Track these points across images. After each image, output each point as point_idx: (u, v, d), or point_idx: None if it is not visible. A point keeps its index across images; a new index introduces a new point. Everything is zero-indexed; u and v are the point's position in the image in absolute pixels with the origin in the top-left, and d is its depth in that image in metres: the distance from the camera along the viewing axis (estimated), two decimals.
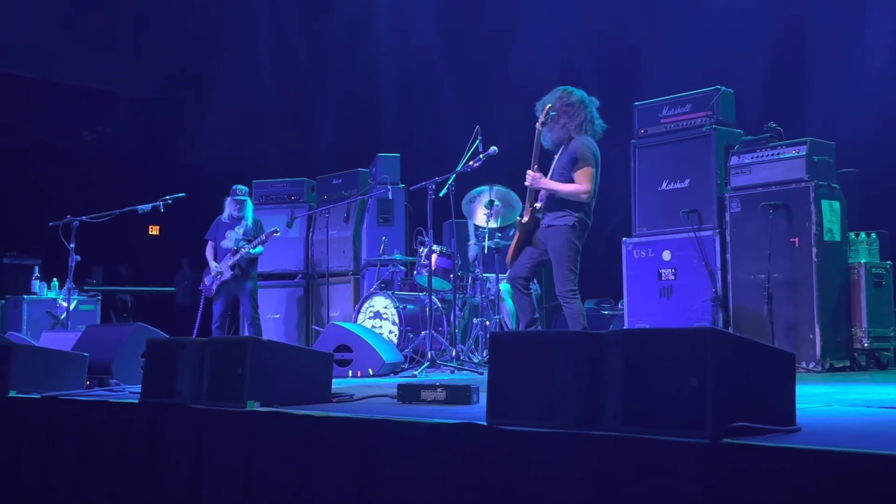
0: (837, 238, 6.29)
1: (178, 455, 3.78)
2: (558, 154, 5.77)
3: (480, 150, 6.86)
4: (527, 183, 5.73)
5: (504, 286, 7.80)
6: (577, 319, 5.55)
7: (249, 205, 9.09)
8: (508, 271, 5.99)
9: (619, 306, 7.83)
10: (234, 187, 9.06)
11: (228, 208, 9.01)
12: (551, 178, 5.72)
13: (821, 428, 2.66)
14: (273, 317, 10.11)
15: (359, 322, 8.03)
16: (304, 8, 12.48)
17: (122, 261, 14.16)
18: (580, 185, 5.61)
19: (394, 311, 7.95)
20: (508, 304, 7.79)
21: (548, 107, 5.70)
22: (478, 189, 7.74)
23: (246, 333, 8.88)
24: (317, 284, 10.18)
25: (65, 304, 9.03)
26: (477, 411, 3.13)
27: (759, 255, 6.33)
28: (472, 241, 7.91)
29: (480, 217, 7.74)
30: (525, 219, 5.78)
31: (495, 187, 7.70)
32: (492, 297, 7.66)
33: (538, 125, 5.71)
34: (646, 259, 7.03)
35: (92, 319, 9.98)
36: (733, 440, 2.26)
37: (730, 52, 8.70)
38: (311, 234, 10.39)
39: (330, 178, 10.44)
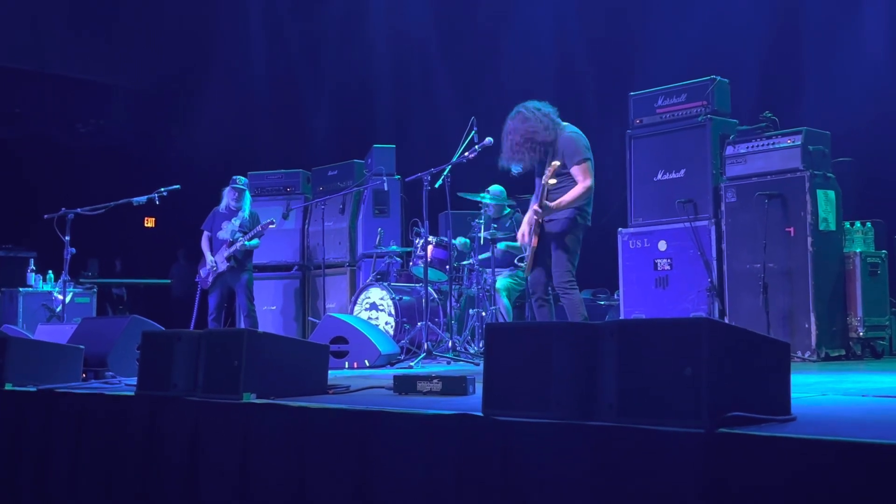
0: (833, 227, 6.30)
1: (174, 447, 3.78)
2: (548, 160, 5.60)
3: (476, 141, 6.85)
4: (536, 219, 5.52)
5: (499, 283, 7.79)
6: (576, 310, 5.49)
7: (248, 196, 9.08)
8: (529, 284, 5.81)
9: (616, 296, 7.84)
10: (233, 177, 9.06)
11: (226, 198, 9.01)
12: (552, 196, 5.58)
13: (815, 417, 2.67)
14: (269, 308, 10.11)
15: (355, 313, 8.03)
16: None
17: (118, 253, 14.15)
18: (583, 182, 5.51)
19: (390, 303, 7.94)
20: (504, 301, 7.80)
21: (555, 164, 5.46)
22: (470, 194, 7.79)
23: (242, 325, 8.87)
24: (313, 276, 10.18)
25: (60, 297, 9.02)
26: (473, 402, 3.13)
27: (755, 244, 6.34)
28: (480, 220, 7.81)
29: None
30: (534, 244, 5.59)
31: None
32: (488, 289, 7.66)
33: (545, 181, 5.47)
34: (642, 249, 7.04)
35: (87, 312, 9.97)
36: (728, 430, 2.27)
37: (725, 41, 8.68)
38: (306, 226, 10.38)
39: (325, 169, 10.43)
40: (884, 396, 3.39)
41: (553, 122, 5.63)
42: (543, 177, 5.51)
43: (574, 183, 5.55)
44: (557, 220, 5.58)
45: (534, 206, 5.56)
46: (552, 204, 5.51)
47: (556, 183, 5.54)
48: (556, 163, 5.49)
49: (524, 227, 5.77)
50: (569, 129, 5.67)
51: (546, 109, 5.67)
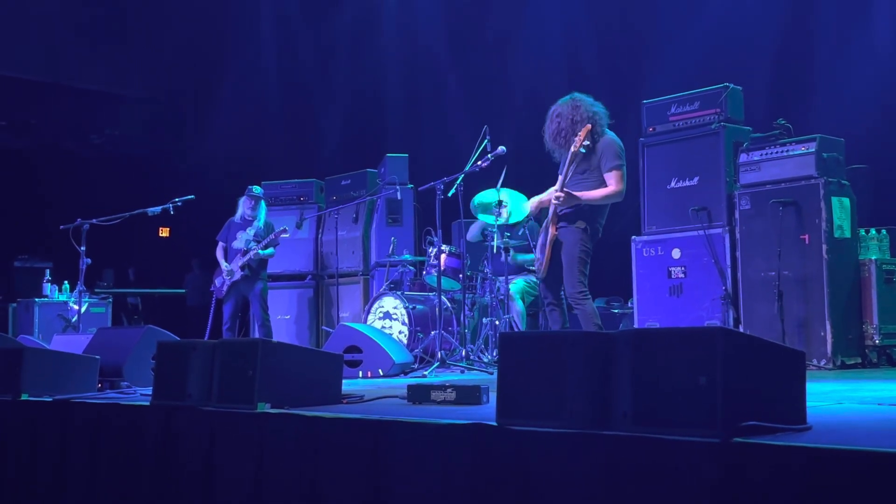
0: (847, 235, 6.27)
1: (189, 457, 3.80)
2: (577, 160, 5.57)
3: (489, 149, 6.86)
4: (557, 204, 5.51)
5: (514, 286, 7.79)
6: (590, 320, 5.46)
7: (263, 206, 9.13)
8: (541, 287, 5.83)
9: (629, 305, 7.82)
10: (249, 187, 9.12)
11: (242, 207, 9.06)
12: (571, 184, 5.58)
13: (831, 426, 2.65)
14: (283, 318, 10.13)
15: (368, 323, 8.04)
16: (310, 8, 12.50)
17: (133, 263, 14.21)
18: (613, 187, 5.54)
19: (403, 312, 7.95)
20: (518, 305, 7.79)
21: (588, 127, 5.47)
22: (484, 192, 7.76)
23: (256, 335, 8.90)
24: (326, 285, 10.20)
25: (76, 307, 9.07)
26: (487, 412, 3.13)
27: (769, 252, 6.32)
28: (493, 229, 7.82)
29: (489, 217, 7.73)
30: (552, 233, 5.59)
31: (502, 189, 7.69)
32: (501, 297, 7.65)
33: (574, 149, 5.47)
34: (655, 257, 7.02)
35: (103, 322, 10.01)
36: (744, 439, 2.26)
37: (737, 48, 8.68)
38: (320, 235, 10.41)
39: (339, 178, 10.46)
40: None
41: (601, 122, 5.63)
42: (573, 146, 5.47)
43: (599, 184, 5.58)
44: (569, 230, 5.56)
45: (556, 193, 5.53)
46: (577, 193, 5.51)
47: (583, 176, 5.59)
48: (588, 126, 5.47)
49: (532, 200, 5.83)
50: (610, 134, 5.68)
51: (599, 108, 5.67)
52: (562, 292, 5.69)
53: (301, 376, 3.84)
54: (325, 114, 12.32)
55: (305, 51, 12.56)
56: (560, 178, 5.62)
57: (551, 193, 5.66)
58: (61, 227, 8.32)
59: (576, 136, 5.53)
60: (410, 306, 7.95)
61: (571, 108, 5.63)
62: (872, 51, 8.10)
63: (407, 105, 11.78)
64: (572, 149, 5.49)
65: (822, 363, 6.03)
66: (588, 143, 5.51)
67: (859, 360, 6.19)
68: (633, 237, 7.17)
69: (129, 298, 13.33)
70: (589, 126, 5.49)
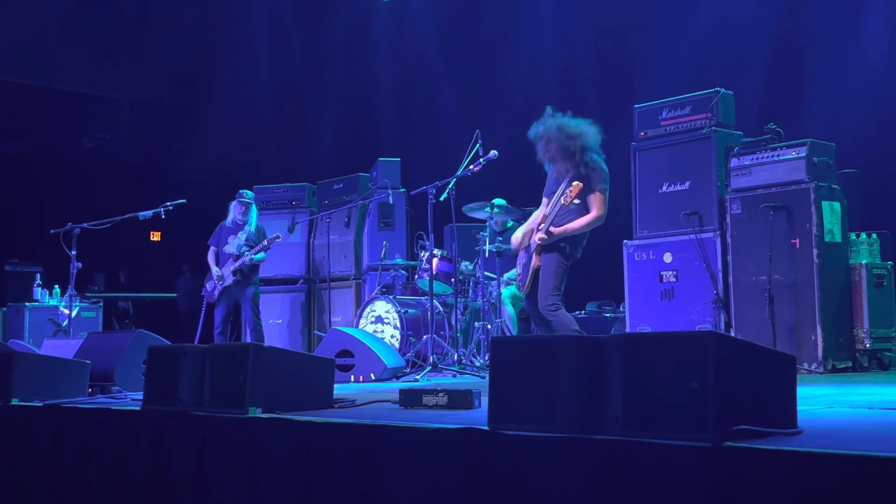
0: (838, 239, 6.29)
1: (180, 462, 3.79)
2: (562, 184, 5.58)
3: (480, 153, 6.86)
4: (541, 244, 5.52)
5: (505, 292, 7.79)
6: (567, 328, 5.45)
7: (254, 210, 9.11)
8: (527, 305, 5.84)
9: (621, 309, 7.84)
10: (240, 191, 9.09)
11: (233, 212, 9.03)
12: (557, 203, 5.56)
13: (822, 430, 2.66)
14: (275, 322, 10.11)
15: (360, 327, 8.03)
16: (303, 13, 12.49)
17: (124, 267, 14.17)
18: (594, 213, 5.53)
19: (395, 316, 7.94)
20: (510, 310, 7.79)
21: (579, 186, 5.40)
22: (476, 203, 7.82)
23: (248, 339, 8.88)
24: (318, 289, 10.19)
25: (66, 312, 9.03)
26: (479, 416, 3.13)
27: (761, 256, 6.34)
28: (485, 233, 7.87)
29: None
30: (535, 263, 5.58)
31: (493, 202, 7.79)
32: (493, 301, 7.65)
33: (566, 202, 5.44)
34: (647, 261, 7.04)
35: (94, 326, 9.98)
36: (735, 443, 2.26)
37: (728, 53, 8.70)
38: (312, 239, 10.39)
39: (331, 182, 10.45)
40: (891, 409, 3.37)
41: (588, 150, 5.58)
42: (563, 197, 5.46)
43: (584, 211, 5.55)
44: (549, 248, 5.56)
45: (539, 234, 5.55)
46: (557, 231, 5.50)
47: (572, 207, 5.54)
48: (580, 184, 5.45)
49: (517, 234, 5.79)
50: (598, 158, 5.64)
51: (590, 136, 5.61)
52: None
53: (293, 381, 3.84)
54: (317, 118, 12.30)
55: (298, 55, 12.55)
56: (545, 212, 5.64)
57: (534, 224, 5.69)
58: (52, 231, 8.28)
59: (566, 161, 5.53)
60: (402, 310, 7.94)
61: (563, 136, 5.57)
62: (863, 56, 8.13)
63: (399, 109, 11.78)
64: (563, 201, 5.47)
65: (813, 367, 6.05)
66: (578, 201, 5.48)
67: (850, 364, 6.21)
68: (625, 241, 7.19)
69: (120, 303, 13.29)
70: (580, 185, 5.45)
